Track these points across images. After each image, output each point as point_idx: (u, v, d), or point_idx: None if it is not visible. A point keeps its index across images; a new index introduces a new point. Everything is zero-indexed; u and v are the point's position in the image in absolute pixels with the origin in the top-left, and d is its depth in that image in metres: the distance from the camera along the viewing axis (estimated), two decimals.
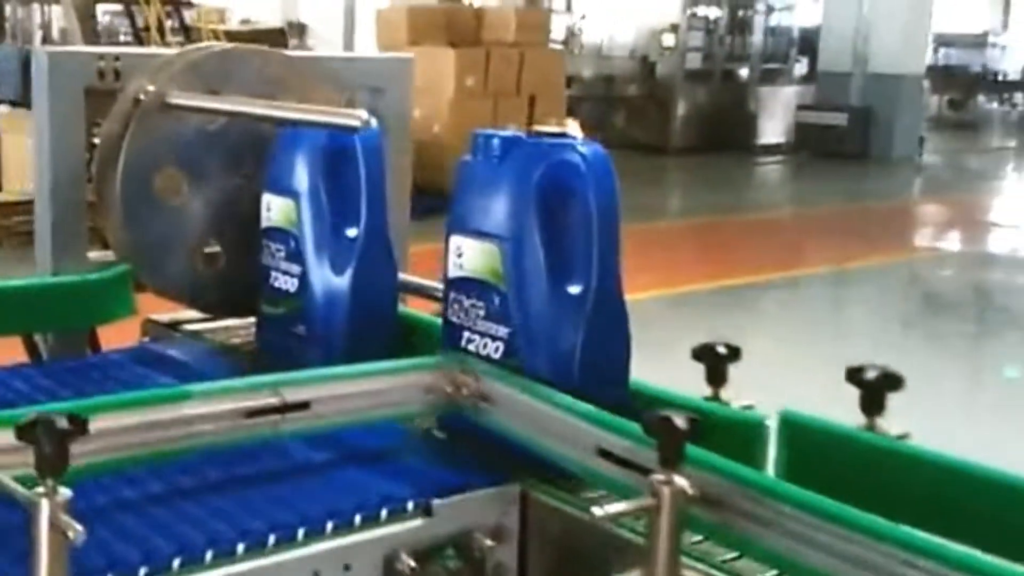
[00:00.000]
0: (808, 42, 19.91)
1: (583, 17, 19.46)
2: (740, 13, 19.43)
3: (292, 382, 1.76)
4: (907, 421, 1.69)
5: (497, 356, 1.90)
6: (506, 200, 1.90)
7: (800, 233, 12.63)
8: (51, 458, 1.32)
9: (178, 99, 2.26)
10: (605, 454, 1.65)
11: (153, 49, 7.30)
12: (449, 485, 1.75)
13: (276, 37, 15.08)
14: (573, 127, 2.09)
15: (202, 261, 2.38)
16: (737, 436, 1.72)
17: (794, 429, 1.70)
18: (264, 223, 2.29)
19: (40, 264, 2.47)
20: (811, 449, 1.69)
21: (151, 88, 2.29)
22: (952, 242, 13.01)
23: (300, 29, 22.56)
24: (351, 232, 2.20)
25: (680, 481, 1.46)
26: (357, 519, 1.64)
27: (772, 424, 1.73)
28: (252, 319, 2.40)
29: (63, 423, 1.33)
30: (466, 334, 1.95)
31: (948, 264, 11.43)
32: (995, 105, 27.21)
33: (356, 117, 1.93)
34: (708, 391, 1.88)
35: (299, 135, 2.25)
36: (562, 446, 1.73)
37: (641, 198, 12.17)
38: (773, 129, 19.08)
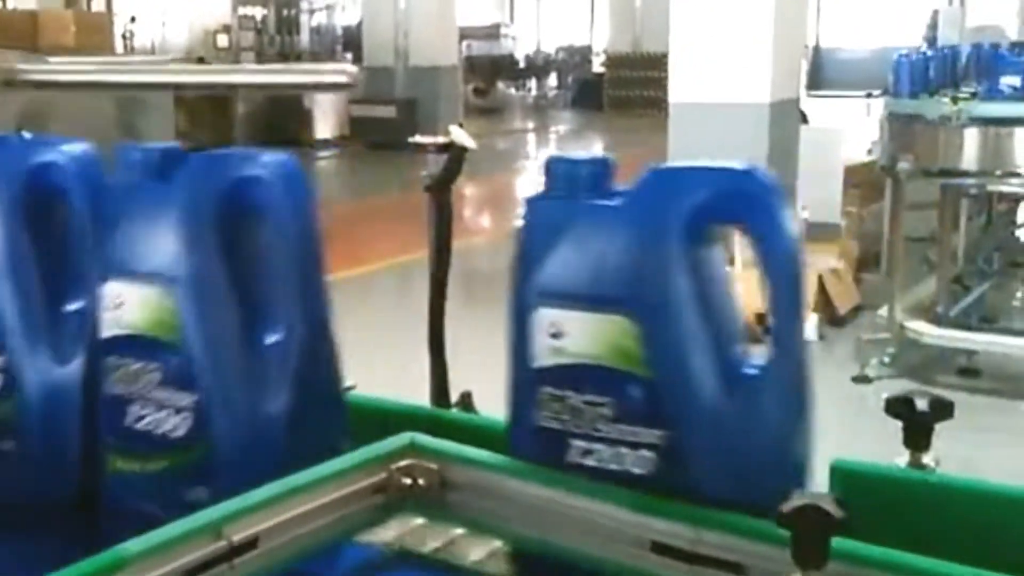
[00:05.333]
0: (352, 39, 19.76)
1: (133, 19, 18.13)
2: (285, 13, 18.95)
3: (234, 515, 1.21)
4: None
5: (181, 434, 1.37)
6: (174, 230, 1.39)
7: (372, 223, 12.39)
8: None
9: None
10: (663, 549, 1.24)
11: None
12: None
13: None
14: (459, 134, 1.62)
15: None
16: None
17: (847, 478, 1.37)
18: None
19: None
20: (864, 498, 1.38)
21: None
22: (504, 221, 13.30)
23: None
24: (74, 304, 1.54)
25: None
26: None
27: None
28: None
29: None
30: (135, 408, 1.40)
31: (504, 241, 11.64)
32: (513, 91, 28.42)
33: (345, 72, 1.36)
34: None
35: None
36: (583, 540, 1.30)
37: None
38: (328, 123, 18.83)
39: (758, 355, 1.29)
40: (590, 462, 1.30)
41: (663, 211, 1.28)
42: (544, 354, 1.32)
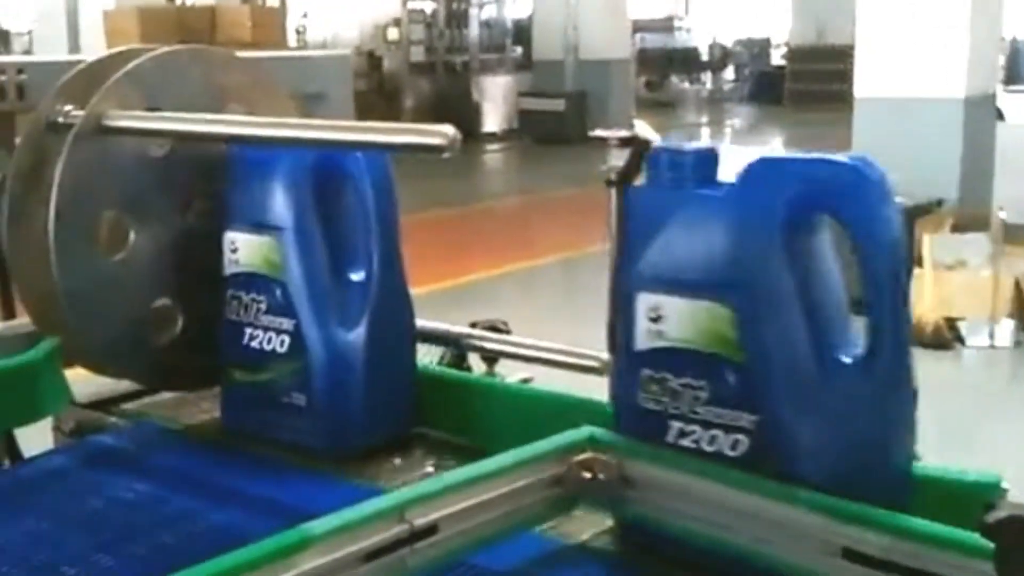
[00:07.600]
0: (522, 32, 19.89)
1: (305, 15, 18.66)
2: (455, 6, 19.21)
3: (416, 500, 1.24)
4: None
5: (283, 350, 1.72)
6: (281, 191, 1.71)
7: (545, 220, 12.48)
8: None
9: (126, 121, 1.67)
10: (856, 556, 1.22)
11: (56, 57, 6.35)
12: None
13: None
14: (642, 128, 1.64)
15: (155, 324, 1.79)
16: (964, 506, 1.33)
17: None
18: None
19: None
20: None
21: (67, 108, 1.69)
22: None
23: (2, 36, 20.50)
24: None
25: None
26: None
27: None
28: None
29: None
30: (248, 331, 1.74)
31: None
32: (687, 84, 28.16)
33: (442, 135, 1.42)
34: None
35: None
36: (769, 543, 1.29)
37: None
38: (497, 116, 19.01)
39: (857, 347, 1.32)
40: (686, 443, 1.37)
41: (761, 201, 1.32)
42: (644, 337, 1.39)
